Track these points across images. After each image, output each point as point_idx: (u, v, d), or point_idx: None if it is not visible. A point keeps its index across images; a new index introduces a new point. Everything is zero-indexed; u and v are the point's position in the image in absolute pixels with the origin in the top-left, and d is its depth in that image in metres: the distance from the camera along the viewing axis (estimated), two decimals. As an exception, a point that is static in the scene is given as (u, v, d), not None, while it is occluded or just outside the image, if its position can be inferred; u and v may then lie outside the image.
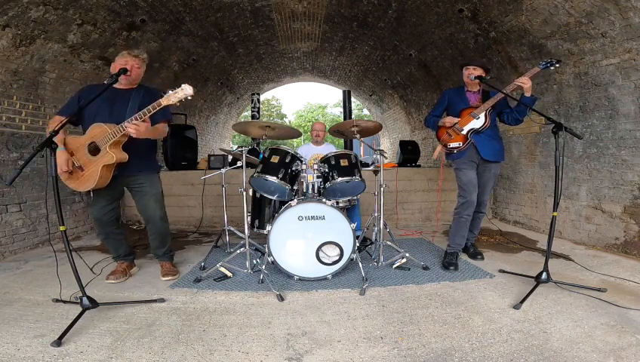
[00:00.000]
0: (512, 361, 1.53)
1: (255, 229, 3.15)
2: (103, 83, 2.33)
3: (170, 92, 2.09)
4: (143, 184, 2.52)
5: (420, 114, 7.49)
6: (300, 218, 2.53)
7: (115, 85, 2.30)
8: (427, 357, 1.58)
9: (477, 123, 2.76)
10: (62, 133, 2.19)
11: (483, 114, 2.73)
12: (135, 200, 2.59)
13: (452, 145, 2.85)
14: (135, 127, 2.13)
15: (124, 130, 2.15)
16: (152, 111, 2.13)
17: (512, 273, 2.60)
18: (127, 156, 2.28)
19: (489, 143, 2.80)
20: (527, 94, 2.55)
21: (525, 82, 2.49)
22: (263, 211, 3.16)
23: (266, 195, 2.97)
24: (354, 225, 2.53)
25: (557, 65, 2.49)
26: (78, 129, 2.47)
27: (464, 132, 2.79)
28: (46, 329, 1.83)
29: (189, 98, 2.10)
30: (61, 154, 2.20)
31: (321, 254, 2.50)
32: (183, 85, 2.08)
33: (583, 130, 3.45)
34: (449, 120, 2.84)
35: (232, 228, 3.44)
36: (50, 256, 3.17)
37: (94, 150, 2.23)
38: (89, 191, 2.30)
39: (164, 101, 2.09)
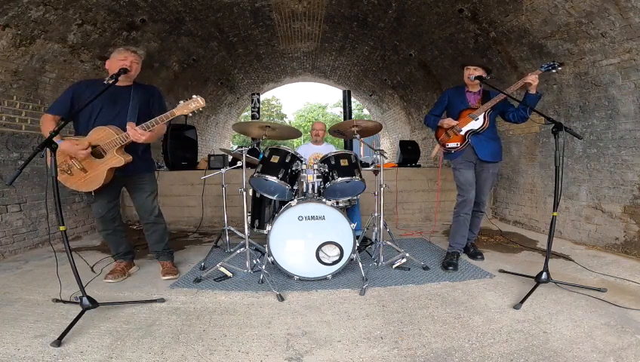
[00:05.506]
0: (512, 361, 1.53)
1: (255, 229, 3.15)
2: (96, 79, 2.40)
3: (182, 103, 2.16)
4: (146, 182, 2.59)
5: (419, 114, 7.49)
6: (300, 218, 2.52)
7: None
8: (427, 357, 1.58)
9: (476, 124, 2.77)
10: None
11: (482, 115, 2.74)
12: (134, 197, 2.62)
13: (450, 145, 2.87)
14: (139, 136, 2.18)
15: (128, 137, 2.19)
16: (165, 121, 2.18)
17: (512, 273, 2.60)
18: (132, 158, 2.32)
19: (486, 144, 2.81)
20: (533, 91, 2.56)
21: (534, 80, 2.51)
22: (263, 211, 3.16)
23: (266, 195, 2.97)
24: (354, 225, 2.53)
25: (559, 68, 2.49)
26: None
27: (462, 132, 2.81)
28: (46, 329, 1.82)
29: (201, 110, 2.17)
30: (68, 143, 2.18)
31: (321, 254, 2.50)
32: (194, 96, 2.15)
33: (583, 130, 3.45)
34: (447, 122, 2.85)
35: (232, 228, 3.43)
36: (50, 256, 3.17)
37: (98, 153, 2.25)
38: (90, 191, 2.34)
39: (178, 111, 2.16)
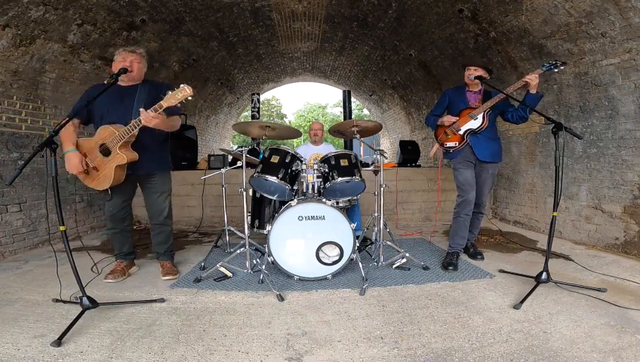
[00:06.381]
0: (512, 361, 1.53)
1: (255, 229, 3.16)
2: (104, 83, 2.37)
3: (170, 93, 2.13)
4: (156, 181, 2.60)
5: (419, 114, 7.49)
6: (300, 218, 2.52)
7: (120, 83, 2.37)
8: (427, 357, 1.58)
9: (474, 123, 2.76)
10: (73, 135, 2.32)
11: (481, 115, 2.74)
12: (145, 195, 2.65)
13: (448, 144, 2.86)
14: (150, 118, 2.15)
15: (134, 128, 2.19)
16: (159, 111, 2.17)
17: (512, 273, 2.60)
18: (137, 155, 2.34)
19: (486, 144, 2.80)
20: (533, 91, 2.54)
21: (533, 79, 2.48)
22: (263, 211, 3.17)
23: (266, 195, 2.97)
24: (354, 225, 2.53)
25: (561, 67, 2.47)
26: (90, 129, 2.53)
27: (461, 132, 2.80)
28: (46, 329, 1.83)
29: (190, 98, 2.14)
30: (74, 156, 2.29)
31: (321, 254, 2.50)
32: (181, 85, 2.11)
33: (583, 130, 3.45)
34: (447, 119, 2.85)
35: (232, 228, 3.43)
36: (50, 256, 3.17)
37: (106, 151, 2.29)
38: (106, 189, 2.37)
39: (165, 103, 2.14)
